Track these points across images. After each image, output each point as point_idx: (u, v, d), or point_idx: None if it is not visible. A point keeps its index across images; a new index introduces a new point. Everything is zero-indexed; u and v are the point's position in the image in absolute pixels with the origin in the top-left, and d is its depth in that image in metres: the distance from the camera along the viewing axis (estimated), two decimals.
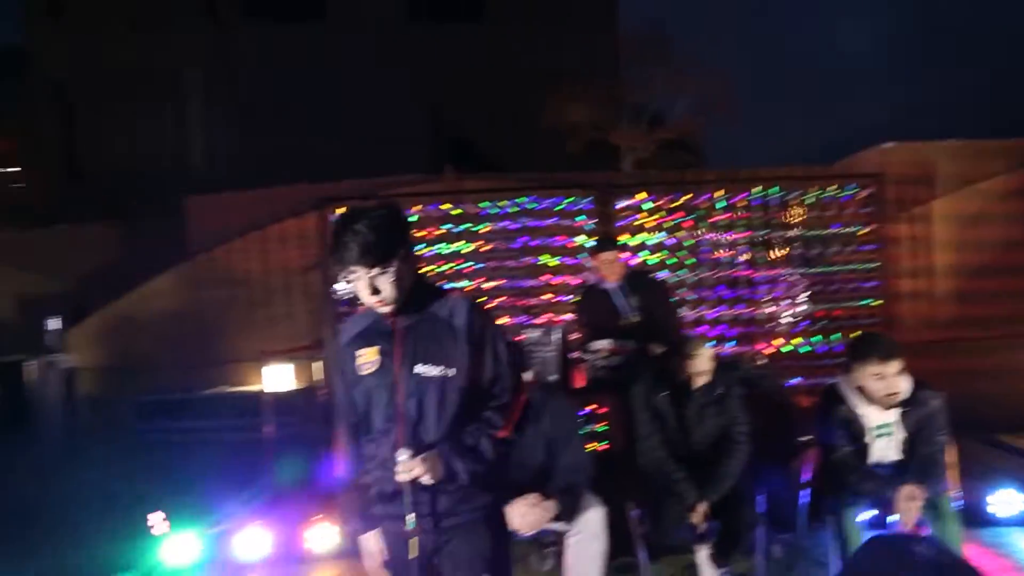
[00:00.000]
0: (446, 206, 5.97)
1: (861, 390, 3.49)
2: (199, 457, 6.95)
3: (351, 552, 4.24)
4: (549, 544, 4.12)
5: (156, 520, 4.54)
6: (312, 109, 16.31)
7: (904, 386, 3.44)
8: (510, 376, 2.33)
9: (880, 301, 6.24)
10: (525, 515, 3.27)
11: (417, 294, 2.29)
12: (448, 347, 2.25)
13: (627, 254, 5.11)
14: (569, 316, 5.92)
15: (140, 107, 16.25)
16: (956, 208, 6.59)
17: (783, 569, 4.02)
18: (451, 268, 5.95)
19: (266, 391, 7.46)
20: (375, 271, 2.18)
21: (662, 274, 5.97)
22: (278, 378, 7.93)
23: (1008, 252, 6.57)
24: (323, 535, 4.43)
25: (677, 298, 5.65)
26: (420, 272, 2.36)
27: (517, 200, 5.98)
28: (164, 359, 8.98)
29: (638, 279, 5.03)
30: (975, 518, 4.24)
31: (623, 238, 5.98)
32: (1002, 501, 4.47)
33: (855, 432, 3.54)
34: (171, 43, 13.57)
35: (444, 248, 5.94)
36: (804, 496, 4.07)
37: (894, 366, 3.37)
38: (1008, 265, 6.55)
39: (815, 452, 4.14)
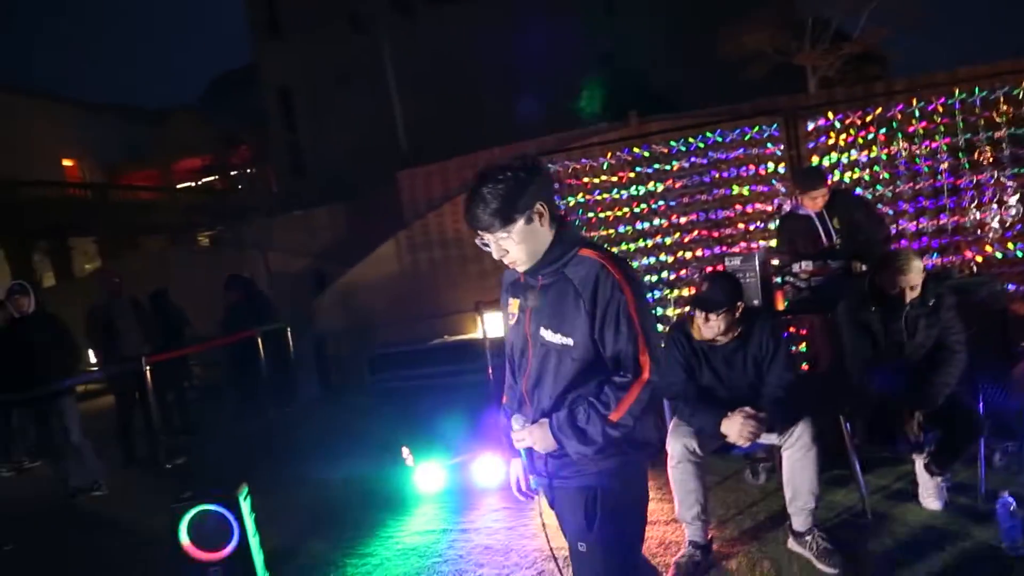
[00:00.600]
0: (636, 149, 6.28)
1: None
2: (428, 400, 7.40)
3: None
4: (761, 460, 4.30)
5: (406, 453, 5.14)
6: (492, 76, 17.05)
7: None
8: (633, 354, 2.11)
9: None
10: (740, 428, 3.32)
11: (554, 252, 2.18)
12: (571, 315, 2.14)
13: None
14: (763, 243, 6.06)
15: (347, 100, 17.91)
16: None
17: (1007, 477, 3.86)
18: (646, 208, 6.28)
19: (486, 336, 8.19)
20: (500, 234, 2.14)
21: (856, 192, 5.88)
22: (493, 325, 8.63)
23: None
24: None
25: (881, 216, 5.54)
26: (563, 226, 2.21)
27: (705, 134, 6.15)
28: (391, 316, 9.87)
29: (838, 200, 4.98)
30: None
31: (814, 160, 6.03)
32: None
33: None
34: (367, 39, 14.81)
35: (638, 190, 6.27)
36: None
37: None
38: None
39: None
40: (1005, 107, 5.92)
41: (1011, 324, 4.90)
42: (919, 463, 3.81)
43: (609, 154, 6.27)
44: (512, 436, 2.27)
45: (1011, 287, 5.68)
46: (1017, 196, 6.02)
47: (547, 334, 2.19)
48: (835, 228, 4.90)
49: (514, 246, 2.15)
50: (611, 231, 6.30)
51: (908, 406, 3.61)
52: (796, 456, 3.43)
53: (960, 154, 6.01)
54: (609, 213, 6.28)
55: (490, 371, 7.71)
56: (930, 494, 3.78)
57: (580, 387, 2.17)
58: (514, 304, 2.31)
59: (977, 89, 5.93)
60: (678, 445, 3.48)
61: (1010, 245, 6.00)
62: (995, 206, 6.08)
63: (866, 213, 5.06)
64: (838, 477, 4.01)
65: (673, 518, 3.77)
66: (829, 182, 4.95)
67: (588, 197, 6.28)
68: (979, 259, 5.97)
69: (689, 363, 3.62)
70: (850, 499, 3.94)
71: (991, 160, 5.99)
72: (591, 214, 6.30)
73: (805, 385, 3.87)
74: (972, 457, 3.78)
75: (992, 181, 6.04)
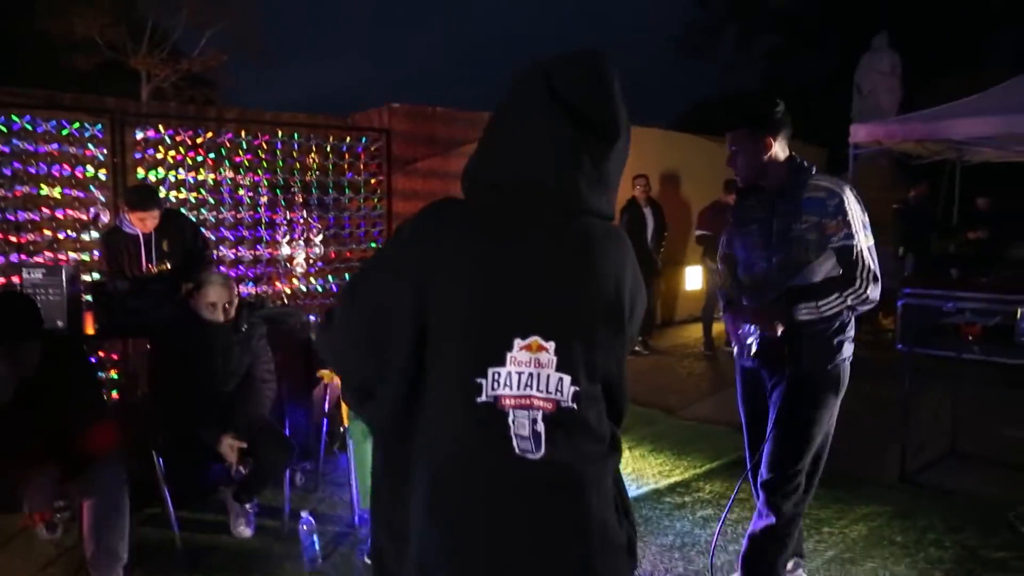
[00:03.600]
0: None
1: None
2: None
3: None
4: (59, 509, 3.67)
5: None
6: None
7: None
8: None
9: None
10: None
11: None
12: None
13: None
14: (73, 255, 5.41)
15: None
16: (445, 166, 7.66)
17: (306, 495, 4.24)
18: None
19: None
20: None
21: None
22: None
23: None
24: None
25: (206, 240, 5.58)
26: None
27: (11, 118, 5.13)
28: None
29: (171, 221, 4.81)
30: None
31: (139, 172, 5.67)
32: None
33: None
34: None
35: None
36: (324, 425, 4.42)
37: None
38: None
39: (331, 384, 4.58)
40: (315, 156, 6.64)
41: (313, 351, 5.46)
42: (229, 492, 3.84)
43: None
44: None
45: (312, 317, 6.32)
46: (320, 236, 6.81)
47: None
48: (165, 251, 4.70)
49: None
50: None
51: (216, 437, 3.56)
52: (104, 501, 3.05)
53: (277, 191, 6.49)
54: None
55: None
56: (241, 522, 3.82)
57: None
58: None
59: (296, 135, 6.51)
60: None
61: (312, 280, 6.74)
62: (303, 243, 6.75)
63: (194, 238, 4.99)
64: (151, 516, 3.76)
65: None
66: (159, 207, 4.73)
67: None
68: (288, 291, 6.54)
69: None
70: (164, 536, 3.69)
71: (302, 201, 6.63)
72: None
73: (118, 419, 3.48)
74: (278, 480, 3.95)
75: (302, 220, 6.70)
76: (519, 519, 1.33)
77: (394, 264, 1.39)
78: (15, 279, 4.66)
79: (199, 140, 5.97)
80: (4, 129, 5.13)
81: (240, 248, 6.29)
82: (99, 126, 5.47)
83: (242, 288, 6.25)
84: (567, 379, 1.34)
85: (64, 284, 4.15)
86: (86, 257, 5.42)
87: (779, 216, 2.75)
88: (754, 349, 2.83)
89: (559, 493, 1.34)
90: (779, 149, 2.77)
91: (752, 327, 2.83)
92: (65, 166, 5.35)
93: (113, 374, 5.41)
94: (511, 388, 1.32)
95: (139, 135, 5.69)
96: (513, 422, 1.31)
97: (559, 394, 1.34)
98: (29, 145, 5.21)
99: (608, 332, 1.40)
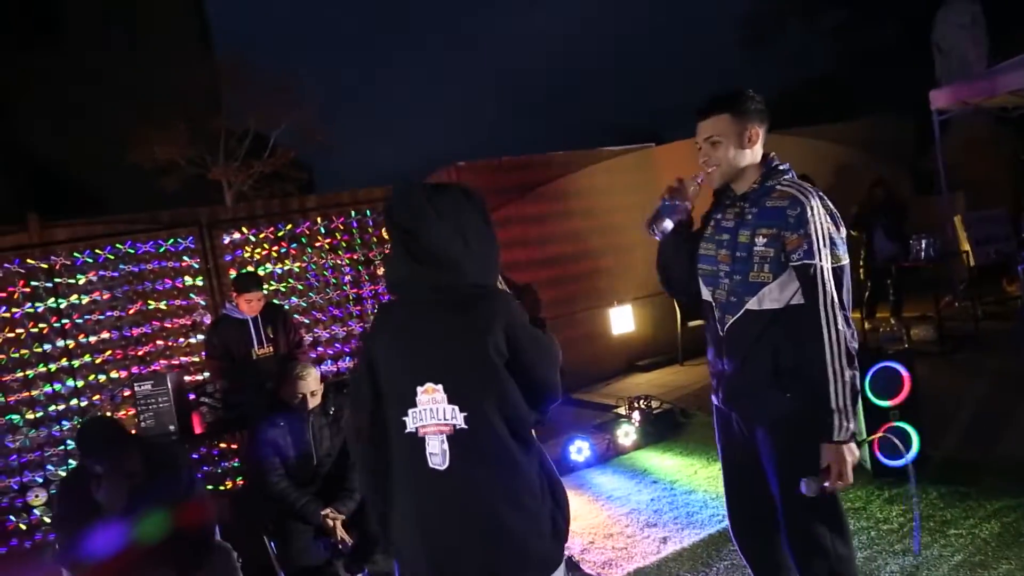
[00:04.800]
0: (31, 261, 5.48)
1: None
2: None
3: None
4: None
5: None
6: None
7: None
8: None
9: None
10: None
11: None
12: None
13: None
14: (184, 359, 5.87)
15: None
16: (520, 211, 7.76)
17: None
18: (46, 327, 5.49)
19: None
20: None
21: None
22: None
23: (562, 244, 7.99)
24: None
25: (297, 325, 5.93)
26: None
27: (115, 246, 5.72)
28: None
29: (270, 309, 5.21)
30: (562, 466, 5.07)
31: (231, 273, 6.10)
32: (576, 450, 5.42)
33: None
34: None
35: (35, 307, 5.44)
36: None
37: None
38: (561, 255, 7.97)
39: None
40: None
41: None
42: (341, 565, 3.96)
43: None
44: None
45: None
46: None
47: None
48: (270, 336, 5.05)
49: None
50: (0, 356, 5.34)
51: (319, 515, 3.76)
52: None
53: (360, 267, 6.79)
54: None
55: None
56: None
57: None
58: None
59: (368, 211, 6.83)
60: None
61: None
62: None
63: (289, 326, 5.33)
64: None
65: None
66: (262, 288, 5.11)
67: None
68: None
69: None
70: None
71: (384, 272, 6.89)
72: None
73: (235, 506, 3.72)
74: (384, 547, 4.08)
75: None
76: (434, 513, 1.92)
77: (361, 355, 2.11)
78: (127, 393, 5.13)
79: (280, 234, 6.37)
80: (112, 257, 5.69)
81: (334, 327, 6.62)
82: (190, 238, 5.97)
83: (342, 364, 6.57)
84: (456, 408, 1.89)
85: (171, 391, 4.46)
86: (197, 359, 5.86)
87: (746, 226, 2.43)
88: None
89: (461, 494, 1.89)
90: (760, 145, 2.47)
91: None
92: (166, 280, 5.85)
93: (235, 462, 5.81)
94: (424, 420, 1.91)
95: (226, 239, 6.15)
96: (428, 444, 1.91)
97: (454, 420, 1.89)
98: (133, 267, 5.74)
99: (484, 370, 1.90)
